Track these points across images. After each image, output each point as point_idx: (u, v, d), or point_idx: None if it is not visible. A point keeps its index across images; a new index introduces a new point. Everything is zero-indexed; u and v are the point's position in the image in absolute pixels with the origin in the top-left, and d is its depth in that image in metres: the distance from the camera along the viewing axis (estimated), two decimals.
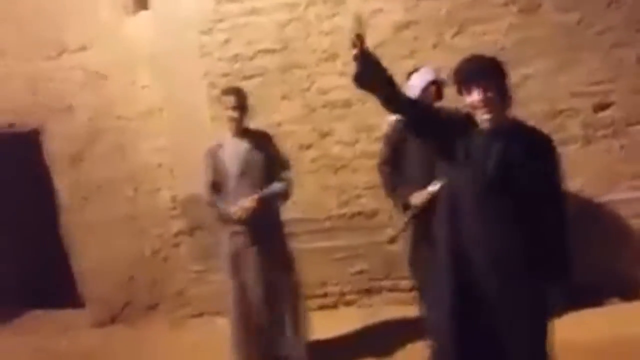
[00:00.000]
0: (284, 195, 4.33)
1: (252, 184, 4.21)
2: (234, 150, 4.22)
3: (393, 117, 4.34)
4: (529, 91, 4.67)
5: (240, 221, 4.17)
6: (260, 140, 4.29)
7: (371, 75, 2.76)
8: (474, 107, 2.71)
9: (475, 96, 2.68)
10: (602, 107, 4.77)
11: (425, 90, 4.16)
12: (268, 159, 4.25)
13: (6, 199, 5.86)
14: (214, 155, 4.26)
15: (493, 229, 2.78)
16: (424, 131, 2.99)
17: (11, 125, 5.50)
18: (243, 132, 4.25)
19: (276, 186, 4.26)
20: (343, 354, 4.52)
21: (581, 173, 4.80)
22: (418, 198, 4.10)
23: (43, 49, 5.41)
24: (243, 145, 4.23)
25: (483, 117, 2.71)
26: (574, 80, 4.76)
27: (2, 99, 5.46)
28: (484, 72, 2.72)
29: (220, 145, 4.27)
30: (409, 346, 4.44)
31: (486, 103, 2.68)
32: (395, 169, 4.31)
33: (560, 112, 4.81)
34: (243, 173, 4.21)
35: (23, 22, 5.37)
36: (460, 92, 2.79)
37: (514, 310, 2.80)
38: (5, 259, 5.88)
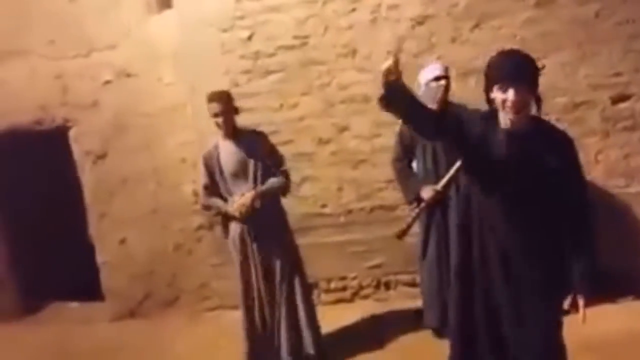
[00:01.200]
0: (282, 189, 4.31)
1: (248, 183, 4.19)
2: (227, 153, 4.23)
3: None
4: (548, 84, 4.57)
5: (240, 218, 4.16)
6: (253, 139, 4.26)
7: (397, 100, 2.71)
8: (505, 105, 2.59)
9: (510, 95, 2.56)
10: (621, 99, 4.67)
11: (429, 85, 4.18)
12: (262, 157, 4.22)
13: (33, 194, 5.92)
14: (209, 159, 4.26)
15: (518, 225, 2.74)
16: (447, 142, 3.01)
17: (39, 122, 5.57)
18: (235, 133, 4.22)
19: (273, 181, 4.24)
20: (358, 347, 4.48)
21: (600, 165, 4.72)
22: (428, 192, 4.16)
23: (71, 48, 5.47)
24: (234, 147, 4.21)
25: (509, 117, 2.61)
26: (593, 73, 4.67)
27: (31, 97, 5.53)
28: (525, 72, 2.60)
29: (216, 148, 4.26)
30: (424, 340, 4.40)
31: (519, 104, 2.57)
32: (407, 164, 4.38)
33: (580, 104, 4.72)
34: (238, 173, 4.21)
35: (52, 22, 5.44)
36: (491, 86, 2.66)
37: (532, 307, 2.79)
38: (30, 253, 5.94)
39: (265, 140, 4.32)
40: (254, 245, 4.21)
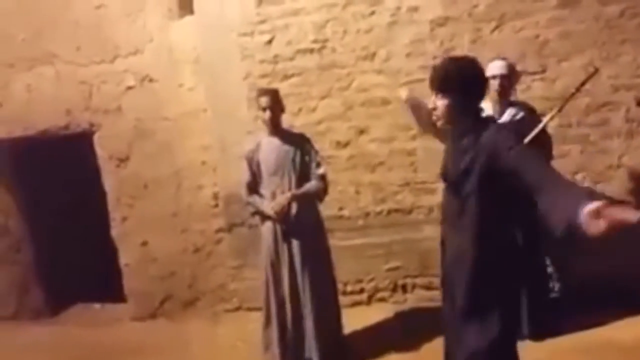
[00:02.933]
0: (319, 193, 4.24)
1: (287, 182, 4.15)
2: (269, 149, 4.19)
3: None
4: (571, 84, 4.42)
5: (276, 218, 4.12)
6: (295, 140, 4.23)
7: None
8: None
9: (430, 103, 2.68)
10: None
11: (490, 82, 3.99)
12: (302, 159, 4.18)
13: (58, 197, 5.90)
14: (251, 157, 4.23)
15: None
16: None
17: (65, 126, 5.55)
18: (279, 131, 4.20)
19: (311, 184, 4.18)
20: (375, 349, 4.37)
21: (624, 167, 4.52)
22: None
23: (96, 54, 5.42)
24: (278, 144, 4.18)
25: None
26: (617, 73, 4.47)
27: (58, 102, 5.50)
28: (440, 79, 2.63)
29: (257, 146, 4.23)
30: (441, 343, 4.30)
31: (437, 112, 2.65)
32: None
33: (603, 105, 4.53)
34: (277, 171, 4.16)
35: (78, 29, 5.41)
36: None
37: None
38: (55, 255, 5.92)
39: (307, 144, 4.27)
40: (285, 246, 4.15)
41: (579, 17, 4.51)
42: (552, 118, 4.00)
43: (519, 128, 3.94)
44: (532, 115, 4.09)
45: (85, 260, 5.90)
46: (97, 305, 6.03)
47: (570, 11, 4.52)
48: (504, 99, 4.12)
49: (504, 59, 4.18)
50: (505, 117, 4.09)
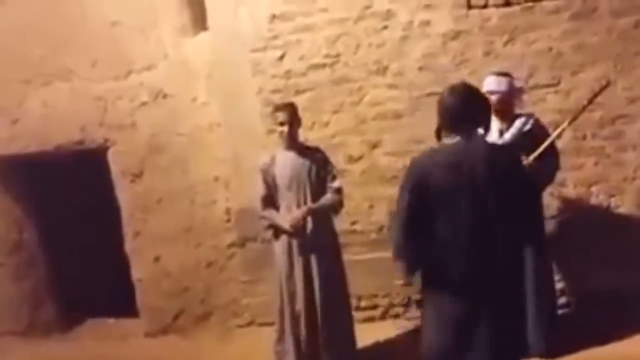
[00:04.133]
0: (335, 206, 4.21)
1: (302, 196, 4.12)
2: (285, 163, 4.15)
3: None
4: (585, 97, 4.35)
5: (292, 232, 4.08)
6: (311, 154, 4.19)
7: None
8: None
9: None
10: None
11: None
12: (318, 172, 4.15)
13: (73, 212, 5.86)
14: (266, 170, 4.19)
15: None
16: None
17: (80, 142, 5.52)
18: (295, 145, 4.17)
19: (327, 197, 4.15)
20: None
21: (638, 181, 4.46)
22: None
23: (111, 70, 5.41)
24: (294, 158, 4.15)
25: None
26: (632, 85, 4.41)
27: (73, 118, 5.47)
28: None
29: (273, 159, 4.20)
30: None
31: None
32: None
33: (618, 118, 4.45)
34: (293, 186, 4.13)
35: (93, 45, 5.40)
36: None
37: None
38: (68, 270, 5.86)
39: (323, 158, 4.24)
40: (301, 260, 4.11)
41: (593, 29, 4.46)
42: (562, 131, 3.93)
43: (526, 140, 3.91)
44: (539, 127, 4.01)
45: (99, 275, 5.85)
46: (110, 321, 5.96)
47: (584, 23, 4.47)
48: (508, 115, 4.03)
49: (503, 74, 4.08)
50: (514, 129, 4.01)
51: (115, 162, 5.53)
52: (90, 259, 5.90)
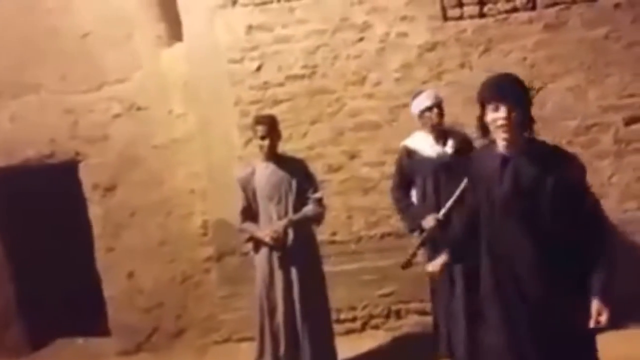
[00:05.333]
0: (316, 218, 4.15)
1: (283, 208, 4.05)
2: (265, 175, 4.08)
3: (403, 143, 4.20)
4: (559, 106, 4.42)
5: (273, 244, 4.00)
6: (291, 165, 4.13)
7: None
8: (497, 124, 2.46)
9: (502, 113, 2.44)
10: (634, 120, 4.49)
11: (422, 116, 4.04)
12: (299, 183, 4.08)
13: (43, 228, 5.62)
14: (246, 182, 4.11)
15: (519, 247, 2.55)
16: None
17: (50, 155, 5.36)
18: (275, 157, 4.10)
19: (308, 208, 4.08)
20: None
21: (615, 188, 4.50)
22: (429, 222, 3.92)
23: (83, 83, 5.28)
24: (274, 169, 4.08)
25: (503, 137, 2.47)
26: (604, 95, 4.50)
27: (43, 131, 5.31)
28: (513, 90, 2.51)
29: (252, 171, 4.12)
30: None
31: (511, 122, 2.45)
32: (407, 193, 4.17)
33: (592, 126, 4.53)
34: (274, 197, 4.06)
35: (64, 57, 5.27)
36: (484, 109, 2.53)
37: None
38: (36, 288, 5.62)
39: (303, 168, 4.18)
40: (281, 273, 4.02)
41: (565, 40, 4.54)
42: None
43: (455, 160, 3.93)
44: (468, 146, 4.00)
45: (68, 293, 5.62)
46: (80, 340, 5.71)
47: (556, 34, 4.55)
48: (441, 128, 4.06)
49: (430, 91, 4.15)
50: (449, 146, 4.04)
51: (87, 176, 5.37)
52: (59, 276, 5.66)
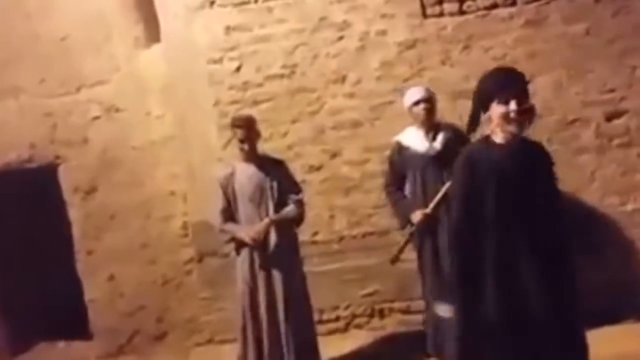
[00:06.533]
0: (297, 219, 4.07)
1: (264, 209, 3.97)
2: (245, 176, 3.99)
3: (395, 138, 4.14)
4: (540, 102, 4.29)
5: (253, 245, 3.91)
6: (272, 166, 4.05)
7: None
8: (508, 118, 2.43)
9: (513, 106, 2.41)
10: (615, 115, 4.41)
11: (412, 110, 4.00)
12: (279, 184, 4.00)
13: (22, 232, 5.51)
14: (226, 183, 4.02)
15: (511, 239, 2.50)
16: None
17: (29, 159, 5.26)
18: (255, 158, 4.01)
19: (288, 210, 4.00)
20: None
21: (596, 183, 4.42)
22: (417, 216, 3.90)
23: (61, 86, 5.20)
24: (254, 170, 3.99)
25: (511, 130, 2.46)
26: (586, 90, 4.41)
27: (21, 135, 5.23)
28: (522, 83, 2.50)
29: (232, 172, 4.03)
30: None
31: (526, 112, 2.44)
32: (399, 188, 4.11)
33: (573, 121, 4.44)
34: (254, 198, 3.97)
35: (42, 60, 5.19)
36: (487, 104, 2.50)
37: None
38: (19, 292, 5.50)
39: (283, 168, 4.11)
40: (263, 274, 3.93)
41: (545, 36, 4.46)
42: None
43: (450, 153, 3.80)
44: (461, 138, 3.86)
45: (48, 296, 5.50)
46: (61, 344, 5.58)
47: (536, 31, 4.47)
48: (431, 123, 4.01)
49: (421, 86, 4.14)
50: (438, 141, 3.98)
51: (66, 179, 5.28)
52: (40, 280, 5.54)
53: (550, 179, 2.59)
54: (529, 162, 2.52)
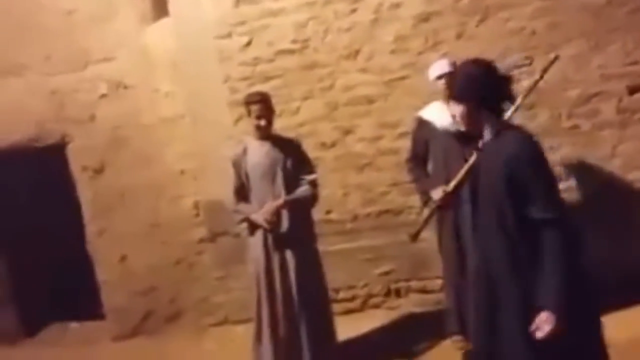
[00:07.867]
0: (310, 199, 3.93)
1: (277, 188, 3.83)
2: (259, 155, 3.85)
3: (418, 114, 3.99)
4: (561, 76, 4.16)
5: (267, 226, 3.78)
6: (286, 145, 3.90)
7: None
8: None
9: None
10: (637, 89, 4.21)
11: (436, 83, 3.81)
12: (293, 164, 3.86)
13: (32, 211, 5.43)
14: (238, 161, 3.88)
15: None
16: None
17: (37, 139, 5.14)
18: (269, 136, 3.86)
19: (302, 190, 3.86)
20: (370, 357, 4.11)
21: (618, 158, 4.27)
22: (438, 193, 3.70)
23: (67, 62, 5.05)
24: (268, 148, 3.85)
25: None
26: (607, 63, 4.22)
27: (28, 114, 5.10)
28: (457, 88, 2.49)
29: (245, 151, 3.89)
30: (436, 348, 4.03)
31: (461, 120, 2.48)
32: (421, 164, 3.96)
33: (594, 95, 4.26)
34: (267, 177, 3.83)
35: (47, 38, 5.03)
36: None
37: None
38: (30, 272, 5.45)
39: (298, 148, 3.96)
40: (277, 256, 3.83)
41: (566, 6, 4.25)
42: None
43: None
44: None
45: (61, 277, 5.45)
46: (74, 324, 5.54)
47: (556, 1, 4.27)
48: None
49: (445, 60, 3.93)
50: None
51: (75, 158, 5.16)
52: (51, 261, 5.49)
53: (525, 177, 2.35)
54: (489, 160, 2.46)
